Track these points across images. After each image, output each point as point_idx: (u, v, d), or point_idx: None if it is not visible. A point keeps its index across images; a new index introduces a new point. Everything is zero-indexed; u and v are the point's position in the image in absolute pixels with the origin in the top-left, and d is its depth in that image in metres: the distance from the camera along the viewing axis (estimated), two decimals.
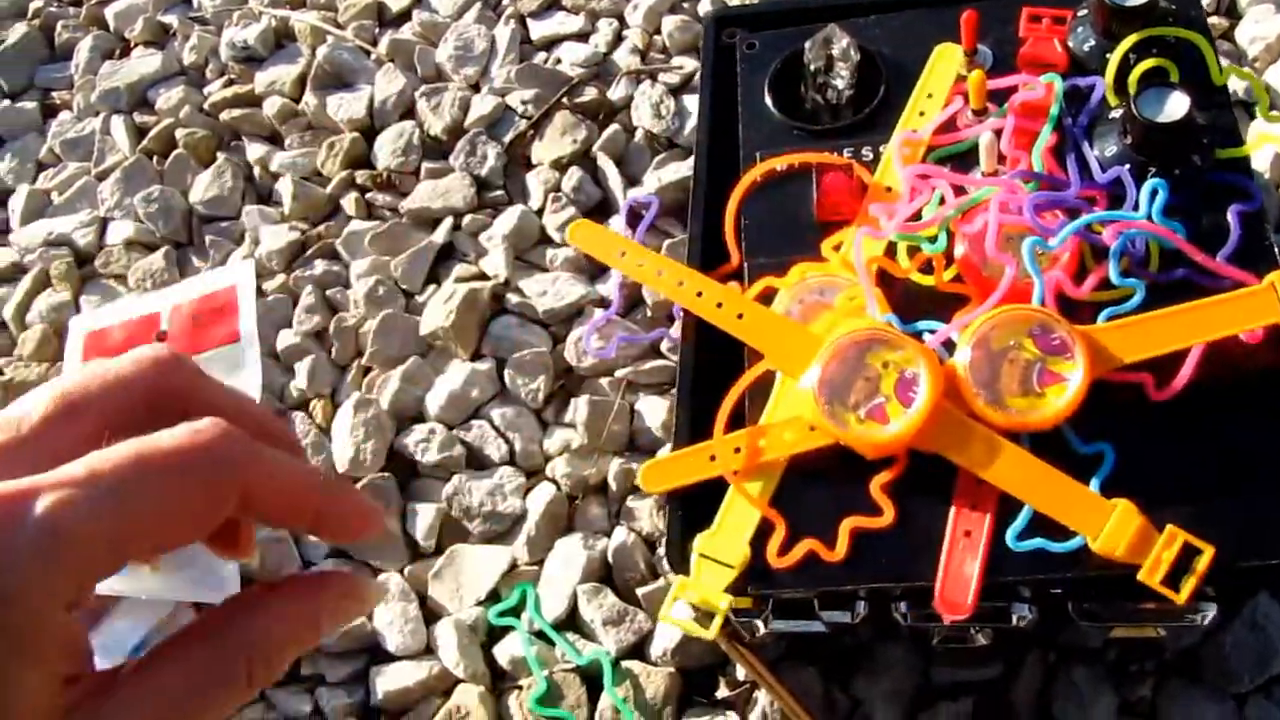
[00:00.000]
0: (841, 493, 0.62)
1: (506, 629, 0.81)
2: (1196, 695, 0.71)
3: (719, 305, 0.66)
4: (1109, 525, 0.58)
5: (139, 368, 0.38)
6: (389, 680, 0.80)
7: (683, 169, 0.94)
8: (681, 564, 0.62)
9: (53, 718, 0.32)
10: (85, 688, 0.33)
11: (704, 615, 0.61)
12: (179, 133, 1.11)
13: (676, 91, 1.00)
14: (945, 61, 0.73)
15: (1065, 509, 0.59)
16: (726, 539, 0.62)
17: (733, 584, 0.61)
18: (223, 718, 0.35)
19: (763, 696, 0.73)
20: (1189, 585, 0.56)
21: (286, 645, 0.37)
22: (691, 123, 0.97)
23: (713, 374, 0.68)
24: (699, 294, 0.67)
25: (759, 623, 0.65)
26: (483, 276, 0.94)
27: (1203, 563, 0.56)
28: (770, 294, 0.68)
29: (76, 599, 0.33)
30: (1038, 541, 0.59)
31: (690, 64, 1.00)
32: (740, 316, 0.66)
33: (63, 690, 0.33)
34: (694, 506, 0.64)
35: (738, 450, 0.63)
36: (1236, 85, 0.90)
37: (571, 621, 0.80)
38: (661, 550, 0.80)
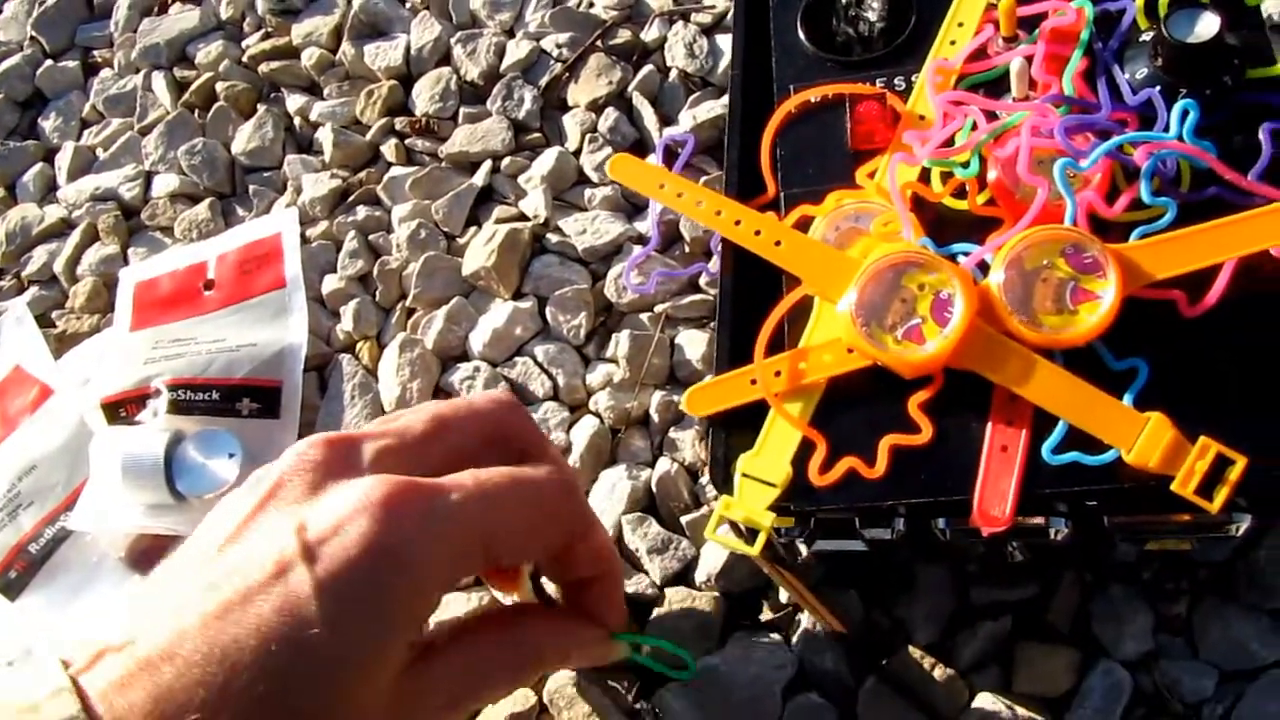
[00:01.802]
0: (880, 412, 0.63)
1: None
2: (1232, 612, 0.73)
3: (756, 233, 0.68)
4: (1142, 437, 0.59)
5: (492, 405, 0.50)
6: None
7: (717, 107, 0.95)
8: (725, 485, 0.64)
9: (401, 669, 0.41)
10: (416, 653, 0.43)
11: (748, 534, 0.63)
12: (219, 86, 1.13)
13: (709, 31, 1.00)
14: None
15: (1099, 422, 0.60)
16: (769, 459, 0.63)
17: (776, 502, 0.62)
18: (489, 701, 0.54)
19: (805, 618, 0.75)
20: (1222, 495, 0.58)
21: (548, 659, 0.50)
22: (725, 61, 0.98)
23: (751, 301, 0.69)
24: (737, 222, 0.69)
25: (801, 544, 0.67)
26: (522, 217, 0.96)
27: (1235, 472, 0.58)
28: (806, 222, 0.69)
29: (446, 586, 0.43)
30: (1073, 455, 0.60)
31: (722, 3, 1.01)
32: (778, 243, 0.67)
33: (409, 648, 0.42)
34: (736, 429, 0.66)
35: (778, 374, 0.65)
36: (1272, 8, 0.90)
37: (617, 549, 0.81)
38: (704, 479, 0.81)
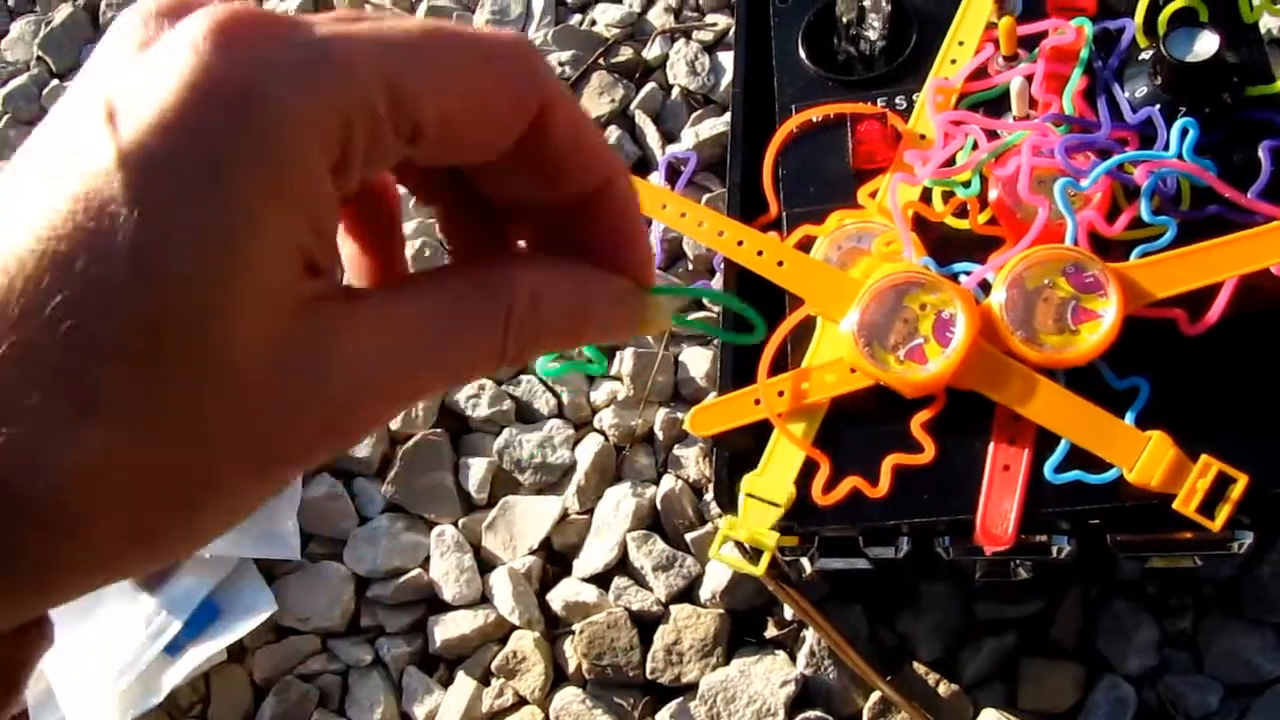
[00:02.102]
0: (883, 431, 0.64)
1: (559, 577, 0.83)
2: (1236, 627, 0.73)
3: (759, 253, 0.68)
4: (1144, 456, 0.59)
5: (508, 43, 0.30)
6: (447, 629, 0.83)
7: (719, 124, 0.95)
8: (730, 505, 0.65)
9: (289, 296, 0.26)
10: (326, 287, 0.27)
11: (753, 553, 0.63)
12: None
13: (711, 48, 1.01)
14: (975, 9, 0.74)
15: (1101, 441, 0.60)
16: (772, 479, 0.64)
17: (779, 522, 0.63)
18: (461, 376, 0.29)
19: (810, 635, 0.76)
20: (1224, 513, 0.58)
21: (551, 320, 0.30)
22: (726, 79, 0.98)
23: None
24: (740, 243, 0.69)
25: (805, 561, 0.67)
26: None
27: (1237, 490, 0.58)
28: (809, 242, 0.70)
29: (339, 158, 0.26)
30: (1075, 474, 0.61)
31: (724, 21, 1.01)
32: (780, 264, 0.67)
33: (304, 269, 0.26)
34: (740, 448, 0.66)
35: (781, 394, 0.65)
36: (1271, 23, 0.90)
37: (622, 567, 0.82)
38: (708, 496, 0.82)
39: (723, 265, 0.74)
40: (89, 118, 0.25)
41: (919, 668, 0.74)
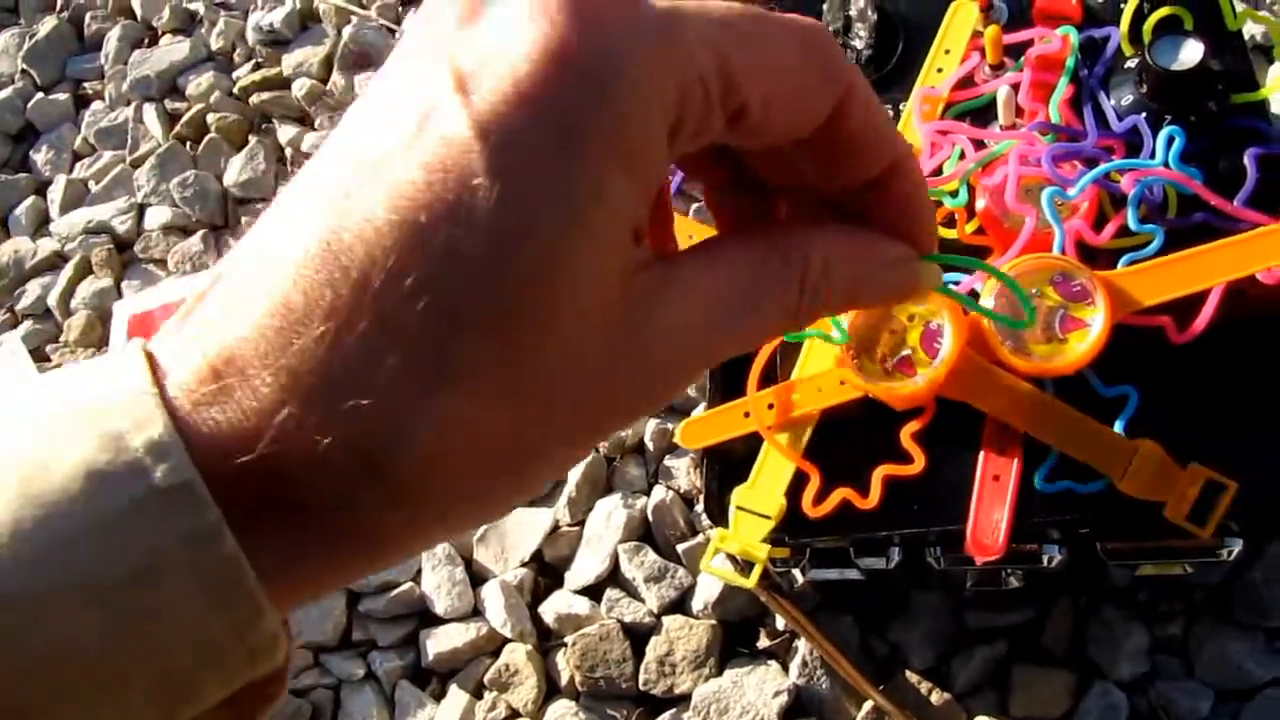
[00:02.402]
0: (873, 442, 0.64)
1: (551, 589, 0.83)
2: (1227, 632, 0.73)
3: None
4: (1132, 465, 0.59)
5: (812, 26, 0.31)
6: (439, 642, 0.83)
7: None
8: (720, 517, 0.65)
9: (622, 265, 0.26)
10: (645, 256, 0.27)
11: (744, 565, 0.63)
12: (210, 117, 1.13)
13: None
14: (961, 17, 0.74)
15: (1090, 450, 0.61)
16: (763, 491, 0.64)
17: (770, 534, 0.63)
18: (756, 340, 0.30)
19: (803, 645, 0.76)
20: (1213, 520, 0.58)
21: (839, 281, 0.31)
22: None
23: None
24: None
25: (796, 572, 0.67)
26: None
27: (1225, 498, 0.58)
28: None
29: (670, 144, 0.26)
30: (1065, 483, 0.61)
31: None
32: None
33: (633, 237, 0.26)
34: (730, 461, 0.66)
35: (771, 406, 0.65)
36: (1255, 29, 0.90)
37: (614, 579, 0.82)
38: (699, 507, 0.82)
39: None
40: (436, 85, 0.25)
41: (911, 676, 0.74)
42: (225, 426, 0.24)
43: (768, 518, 0.63)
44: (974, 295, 0.64)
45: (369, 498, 0.24)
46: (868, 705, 0.74)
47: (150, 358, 0.25)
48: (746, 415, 0.65)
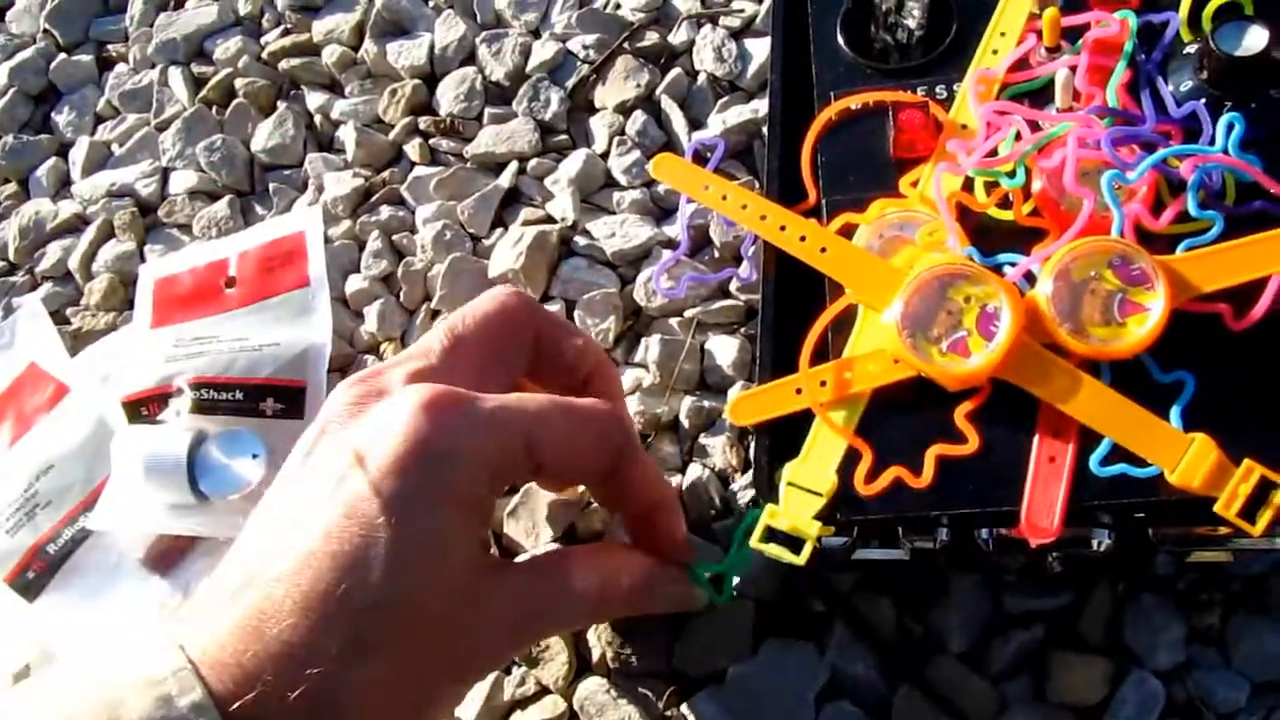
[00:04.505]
0: (926, 421, 0.63)
1: None
2: (1265, 624, 0.73)
3: (802, 239, 0.68)
4: (1186, 458, 0.59)
5: (497, 303, 0.52)
6: None
7: (745, 112, 0.94)
8: (769, 493, 0.64)
9: (470, 568, 0.43)
10: (489, 560, 0.46)
11: (792, 542, 0.63)
12: (238, 82, 1.12)
13: (738, 34, 1.00)
14: (1018, 0, 0.74)
15: (1142, 441, 0.60)
16: (814, 467, 0.63)
17: (821, 511, 0.62)
18: (564, 629, 0.53)
19: (839, 626, 0.75)
20: (1265, 517, 0.58)
21: (631, 593, 0.50)
22: (754, 66, 0.97)
23: (792, 309, 0.69)
24: (782, 227, 0.68)
25: (837, 551, 0.67)
26: (550, 220, 0.96)
27: (1279, 495, 0.58)
28: (849, 230, 0.69)
29: (494, 489, 0.45)
30: (1120, 467, 0.60)
31: (751, 7, 1.01)
32: (823, 250, 0.67)
33: (481, 548, 0.45)
34: (778, 436, 0.66)
35: (823, 383, 0.65)
36: None
37: None
38: (735, 485, 0.81)
39: (755, 254, 0.74)
40: (343, 459, 0.42)
41: (947, 660, 0.74)
42: (232, 686, 0.38)
43: (819, 494, 0.62)
44: (1030, 277, 0.64)
45: None
46: (904, 688, 0.73)
47: (180, 646, 0.40)
48: (798, 392, 0.65)
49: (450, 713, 0.46)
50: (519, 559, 0.52)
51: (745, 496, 0.80)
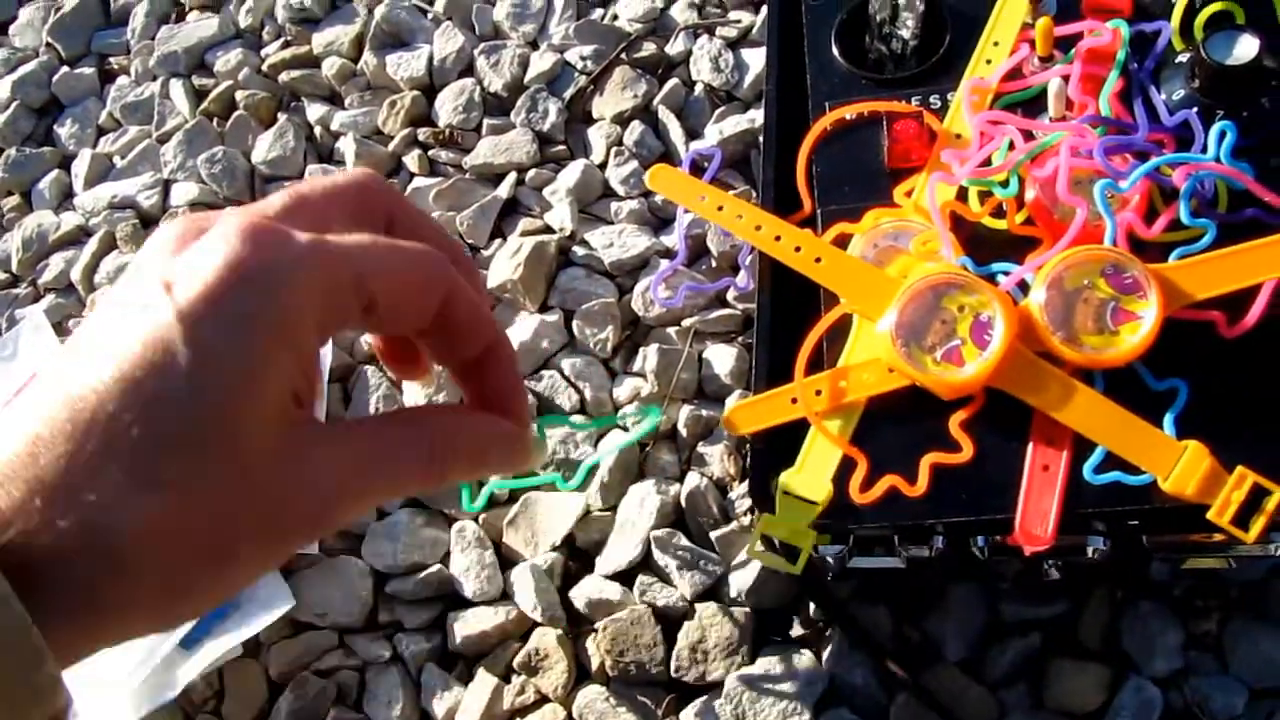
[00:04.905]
0: (921, 430, 0.64)
1: (581, 574, 0.83)
2: (1262, 629, 0.73)
3: (797, 249, 0.68)
4: (1179, 466, 0.59)
5: (352, 180, 0.46)
6: (467, 625, 0.83)
7: (742, 122, 0.95)
8: (765, 502, 0.64)
9: (285, 415, 0.37)
10: (307, 415, 0.39)
11: (787, 550, 0.63)
12: (239, 95, 1.13)
13: (734, 45, 1.01)
14: (1011, 9, 0.74)
15: (1136, 449, 0.61)
16: (810, 476, 0.64)
17: (816, 520, 0.63)
18: (401, 486, 0.41)
19: (837, 634, 0.75)
20: (1258, 525, 0.58)
21: (462, 450, 0.44)
22: (750, 76, 0.98)
23: (788, 318, 0.69)
24: (777, 238, 0.69)
25: (832, 559, 0.67)
26: (548, 230, 0.96)
27: (1272, 503, 0.58)
28: (844, 239, 0.69)
29: (319, 329, 0.39)
30: (1114, 475, 0.61)
31: (747, 18, 1.01)
32: (818, 260, 0.67)
33: (293, 398, 0.38)
34: (774, 445, 0.66)
35: (818, 392, 0.65)
36: None
37: (646, 565, 0.82)
38: (733, 494, 0.82)
39: (751, 263, 0.74)
40: (151, 288, 0.36)
41: (945, 668, 0.74)
42: None
43: (814, 503, 0.63)
44: (1023, 286, 0.64)
45: (97, 565, 0.33)
46: (902, 696, 0.74)
47: None
48: (794, 401, 0.65)
49: (253, 577, 0.39)
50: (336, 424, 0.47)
51: (743, 505, 0.80)
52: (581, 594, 0.82)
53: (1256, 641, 0.73)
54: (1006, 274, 0.65)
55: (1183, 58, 0.69)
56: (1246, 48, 0.65)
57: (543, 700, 0.79)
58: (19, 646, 0.32)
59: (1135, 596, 0.75)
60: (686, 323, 0.88)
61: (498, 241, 0.97)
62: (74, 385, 0.35)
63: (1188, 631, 0.74)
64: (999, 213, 0.68)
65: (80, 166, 1.15)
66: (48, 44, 1.25)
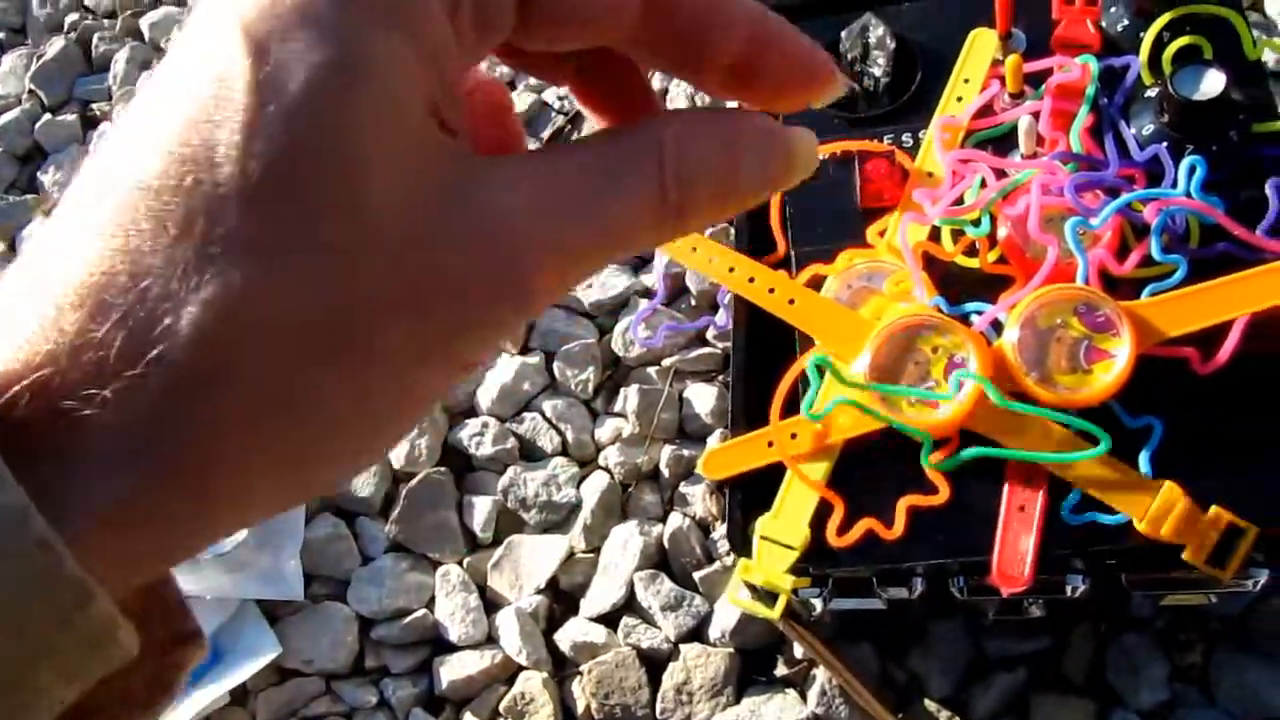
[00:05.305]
0: (897, 472, 0.63)
1: (566, 616, 0.83)
2: (1247, 660, 0.73)
3: (770, 291, 0.68)
4: (1153, 506, 0.59)
5: None
6: (452, 670, 0.82)
7: None
8: (743, 546, 0.64)
9: (426, 140, 0.23)
10: (465, 145, 0.24)
11: (766, 595, 0.63)
12: None
13: None
14: (980, 46, 0.74)
15: (1111, 491, 0.60)
16: (787, 521, 0.63)
17: (794, 564, 0.62)
18: (622, 231, 0.25)
19: (821, 673, 0.75)
20: (1233, 564, 0.58)
21: (700, 165, 0.26)
22: None
23: (763, 359, 0.69)
24: (750, 280, 0.69)
25: (817, 601, 0.67)
26: None
27: (1246, 541, 0.58)
28: (819, 281, 0.69)
29: (448, 8, 0.23)
30: (1091, 515, 0.60)
31: None
32: (791, 302, 0.67)
33: (433, 115, 0.23)
34: (752, 489, 0.66)
35: (794, 436, 0.65)
36: (1269, 56, 0.91)
37: (630, 607, 0.81)
38: (715, 534, 0.81)
39: (730, 302, 0.74)
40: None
41: (930, 705, 0.74)
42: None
43: (792, 548, 0.63)
44: (997, 325, 0.64)
45: (154, 385, 0.21)
46: None
47: None
48: (770, 445, 0.65)
49: (418, 403, 0.24)
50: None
51: (725, 545, 0.80)
52: (566, 637, 0.81)
53: (1242, 673, 0.72)
54: (980, 314, 0.65)
55: (1151, 92, 0.69)
56: (1213, 82, 0.66)
57: None
58: (48, 578, 0.20)
59: (1119, 630, 0.74)
60: (667, 362, 0.88)
61: None
62: (114, 157, 0.23)
63: (1173, 664, 0.74)
64: (971, 251, 0.68)
65: None
66: (30, 91, 1.25)
